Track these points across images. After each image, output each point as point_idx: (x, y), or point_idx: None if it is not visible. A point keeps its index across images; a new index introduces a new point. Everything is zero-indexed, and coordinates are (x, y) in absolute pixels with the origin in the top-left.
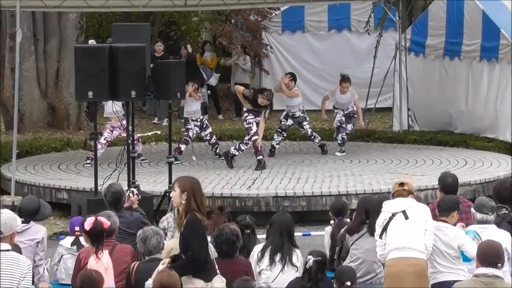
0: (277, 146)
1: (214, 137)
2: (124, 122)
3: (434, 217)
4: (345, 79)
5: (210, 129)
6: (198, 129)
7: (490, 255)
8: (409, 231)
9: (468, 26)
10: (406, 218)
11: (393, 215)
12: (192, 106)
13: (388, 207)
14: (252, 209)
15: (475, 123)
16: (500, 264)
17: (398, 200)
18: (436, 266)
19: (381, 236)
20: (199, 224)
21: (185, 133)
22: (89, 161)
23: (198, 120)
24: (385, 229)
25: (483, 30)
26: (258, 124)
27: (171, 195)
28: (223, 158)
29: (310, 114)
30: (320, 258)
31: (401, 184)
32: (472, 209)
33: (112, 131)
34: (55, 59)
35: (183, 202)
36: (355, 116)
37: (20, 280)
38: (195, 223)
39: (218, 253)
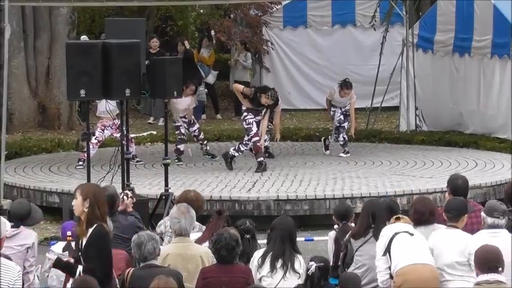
0: (269, 145)
1: (202, 133)
2: (116, 121)
3: (443, 222)
4: (347, 86)
5: (197, 125)
6: (186, 125)
7: (489, 260)
8: (416, 246)
9: (479, 21)
10: (411, 235)
11: (396, 233)
12: (182, 104)
13: (388, 230)
14: (252, 213)
15: (487, 123)
16: (501, 268)
17: (398, 224)
18: (444, 275)
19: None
20: (106, 239)
21: (177, 132)
22: (81, 163)
23: (186, 116)
24: (388, 249)
25: (494, 26)
26: (258, 124)
27: (72, 203)
28: (211, 156)
29: (313, 113)
30: (322, 264)
31: (398, 218)
32: (483, 213)
33: (103, 131)
34: (45, 55)
35: (86, 210)
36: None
37: (9, 287)
38: (103, 237)
39: (217, 259)
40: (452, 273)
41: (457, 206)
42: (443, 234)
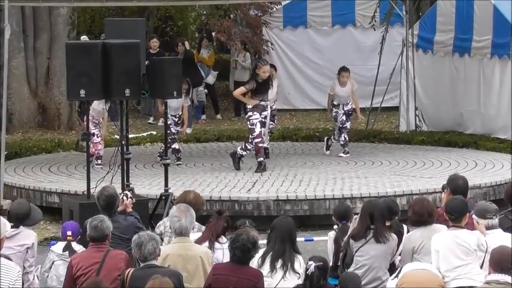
0: (268, 147)
1: (177, 142)
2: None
3: (445, 221)
4: (344, 69)
5: (181, 130)
6: (174, 124)
7: (502, 261)
8: (421, 263)
9: (478, 21)
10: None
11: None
12: (173, 102)
13: (391, 282)
14: (252, 213)
15: (488, 124)
16: None
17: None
18: (451, 275)
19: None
20: None
21: (168, 131)
22: (99, 161)
23: (177, 116)
24: (398, 274)
25: (494, 26)
26: (261, 124)
27: None
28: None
29: (313, 113)
30: (321, 263)
31: None
32: (474, 216)
33: (96, 125)
34: (45, 56)
35: None
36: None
37: (9, 287)
38: None
39: (231, 258)
40: (459, 273)
41: (458, 206)
42: (448, 235)
